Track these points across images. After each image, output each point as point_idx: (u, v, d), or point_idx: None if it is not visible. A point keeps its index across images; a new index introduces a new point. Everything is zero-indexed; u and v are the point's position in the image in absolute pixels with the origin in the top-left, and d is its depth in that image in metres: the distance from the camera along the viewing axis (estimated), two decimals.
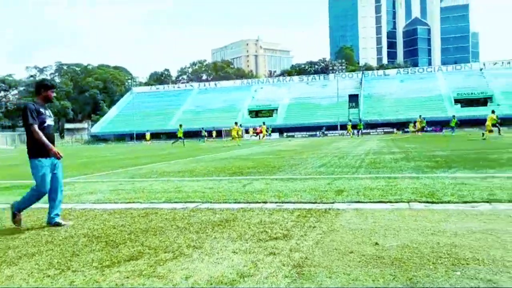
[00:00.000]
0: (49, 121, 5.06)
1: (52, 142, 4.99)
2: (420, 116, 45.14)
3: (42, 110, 4.99)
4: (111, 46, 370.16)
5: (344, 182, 7.71)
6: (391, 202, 5.60)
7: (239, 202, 6.07)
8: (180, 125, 37.87)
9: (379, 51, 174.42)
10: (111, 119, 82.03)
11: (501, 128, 27.02)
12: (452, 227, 4.13)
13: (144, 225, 4.81)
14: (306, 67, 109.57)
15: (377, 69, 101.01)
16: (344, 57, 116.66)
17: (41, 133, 4.84)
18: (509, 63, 73.53)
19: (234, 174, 10.11)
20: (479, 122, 59.10)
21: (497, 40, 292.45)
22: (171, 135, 72.26)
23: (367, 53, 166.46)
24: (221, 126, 65.69)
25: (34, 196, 4.93)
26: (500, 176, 7.58)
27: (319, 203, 5.76)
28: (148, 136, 58.88)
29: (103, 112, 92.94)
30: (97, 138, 77.79)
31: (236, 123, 37.80)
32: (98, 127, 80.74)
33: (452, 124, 41.65)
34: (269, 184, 7.88)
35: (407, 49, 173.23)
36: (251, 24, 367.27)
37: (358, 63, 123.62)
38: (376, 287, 2.71)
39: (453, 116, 43.45)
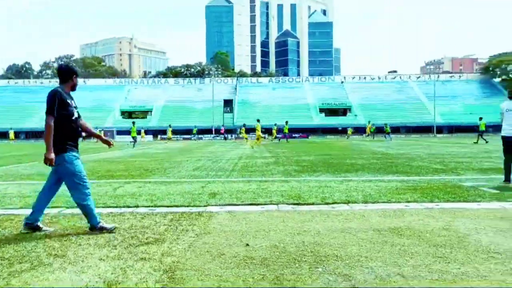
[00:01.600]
0: (76, 114, 4.43)
1: (78, 137, 4.47)
2: (286, 122, 47.91)
3: (69, 101, 4.34)
4: None
5: (218, 185, 7.84)
6: (261, 204, 5.84)
7: (108, 207, 5.79)
8: (133, 123, 32.65)
9: (253, 59, 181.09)
10: None
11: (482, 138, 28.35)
12: (315, 227, 4.46)
13: None
14: (182, 70, 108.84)
15: (251, 76, 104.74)
16: (220, 62, 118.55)
17: (52, 133, 4.17)
18: (365, 78, 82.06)
19: (104, 177, 9.61)
20: (340, 131, 65.01)
21: (355, 56, 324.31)
22: (33, 134, 66.03)
23: (242, 60, 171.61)
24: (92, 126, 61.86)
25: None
26: (356, 180, 8.41)
27: (192, 206, 5.77)
28: (11, 134, 52.77)
29: None
30: None
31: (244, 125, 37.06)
32: None
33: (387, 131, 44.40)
34: (141, 188, 7.66)
35: (278, 59, 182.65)
36: (125, 22, 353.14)
37: (233, 69, 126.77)
38: (246, 287, 2.81)
39: (385, 124, 46.30)
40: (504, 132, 7.70)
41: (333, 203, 5.82)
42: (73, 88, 4.50)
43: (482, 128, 28.68)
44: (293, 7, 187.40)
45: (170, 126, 51.99)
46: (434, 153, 16.73)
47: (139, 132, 44.27)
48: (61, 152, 4.25)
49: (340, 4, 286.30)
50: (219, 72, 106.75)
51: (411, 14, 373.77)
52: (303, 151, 19.89)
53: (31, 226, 4.36)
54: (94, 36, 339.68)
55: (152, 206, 5.78)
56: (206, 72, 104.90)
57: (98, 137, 5.04)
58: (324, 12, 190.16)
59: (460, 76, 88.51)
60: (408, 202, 5.85)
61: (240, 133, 46.19)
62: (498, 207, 5.36)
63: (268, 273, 3.06)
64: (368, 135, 49.76)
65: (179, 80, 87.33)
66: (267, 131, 57.43)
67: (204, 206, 5.77)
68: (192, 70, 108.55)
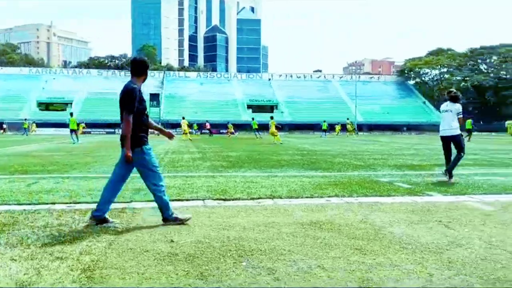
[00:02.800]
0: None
1: (147, 132, 4.42)
2: (207, 121, 47.91)
3: (142, 96, 4.36)
4: None
5: (142, 181, 7.62)
6: (187, 199, 5.78)
7: (21, 204, 5.41)
8: (71, 113, 28.83)
9: (181, 53, 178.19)
10: None
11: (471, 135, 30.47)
12: (240, 222, 4.50)
13: None
14: (106, 61, 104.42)
15: (179, 70, 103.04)
16: (147, 55, 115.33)
17: (130, 128, 4.21)
18: (291, 76, 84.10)
19: (16, 172, 8.98)
20: (267, 127, 66.03)
21: (282, 55, 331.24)
22: None
23: (169, 54, 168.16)
24: (3, 118, 57.53)
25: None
26: (281, 175, 8.61)
27: (115, 202, 5.55)
28: None
29: None
30: None
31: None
32: None
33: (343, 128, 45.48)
34: (59, 183, 7.26)
35: (207, 54, 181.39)
36: (44, 8, 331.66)
37: (161, 63, 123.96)
38: (169, 284, 2.77)
39: (347, 118, 46.86)
40: (441, 132, 8.18)
41: (258, 198, 5.90)
42: (143, 81, 4.48)
43: (469, 126, 31.08)
44: (222, 2, 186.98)
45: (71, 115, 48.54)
46: (355, 150, 17.57)
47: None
48: (139, 145, 4.28)
49: (268, 2, 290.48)
50: None
51: (336, 16, 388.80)
52: (230, 147, 19.97)
53: (99, 218, 4.28)
54: (9, 22, 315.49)
55: (71, 203, 5.50)
56: None
57: (159, 130, 4.86)
58: (253, 10, 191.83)
59: (379, 78, 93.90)
60: (330, 197, 6.09)
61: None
62: (410, 201, 5.75)
63: (192, 269, 3.03)
64: (351, 133, 49.16)
65: (102, 72, 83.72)
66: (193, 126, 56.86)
67: (128, 202, 5.59)
68: (117, 61, 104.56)
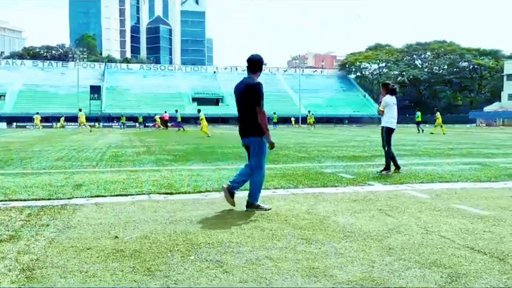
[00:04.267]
0: None
1: None
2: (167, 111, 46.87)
3: None
4: None
5: (83, 176, 7.37)
6: (132, 194, 5.65)
7: None
8: None
9: (122, 44, 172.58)
10: None
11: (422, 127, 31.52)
12: (187, 215, 4.46)
13: None
14: (42, 52, 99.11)
15: (121, 62, 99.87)
16: (86, 45, 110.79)
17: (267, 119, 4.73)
18: (236, 69, 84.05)
19: None
20: (213, 120, 65.74)
21: (227, 48, 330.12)
22: None
23: (111, 45, 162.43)
24: None
25: (260, 174, 4.78)
26: (228, 168, 8.62)
27: (54, 199, 5.33)
28: None
29: None
30: None
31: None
32: None
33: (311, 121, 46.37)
34: None
35: (150, 45, 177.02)
36: None
37: (101, 54, 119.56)
38: (114, 281, 2.70)
39: (309, 111, 46.74)
40: (391, 124, 7.97)
41: (205, 192, 5.88)
42: (259, 76, 4.90)
43: (419, 119, 31.96)
44: None
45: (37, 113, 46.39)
46: (299, 143, 17.91)
47: None
48: (260, 135, 4.75)
49: None
50: (85, 56, 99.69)
51: (280, 10, 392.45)
52: (176, 141, 19.70)
53: (231, 190, 4.73)
54: None
55: (5, 201, 5.20)
56: (70, 56, 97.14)
57: None
58: (197, 1, 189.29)
59: (322, 71, 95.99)
60: (276, 188, 6.17)
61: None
62: (352, 191, 5.96)
63: (138, 265, 2.97)
64: (309, 126, 48.82)
65: (38, 63, 79.62)
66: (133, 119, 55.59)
67: (68, 198, 5.38)
68: (54, 52, 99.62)
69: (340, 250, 3.31)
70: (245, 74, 5.02)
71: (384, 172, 7.78)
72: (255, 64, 4.86)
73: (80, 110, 40.03)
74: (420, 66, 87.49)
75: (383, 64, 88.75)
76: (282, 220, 4.26)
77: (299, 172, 7.93)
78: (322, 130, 39.09)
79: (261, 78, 5.05)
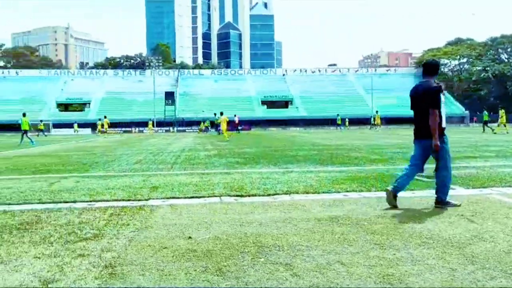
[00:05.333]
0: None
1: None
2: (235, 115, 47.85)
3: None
4: None
5: (159, 179, 7.69)
6: (204, 197, 5.80)
7: (44, 203, 5.51)
8: (24, 114, 26.42)
9: (194, 50, 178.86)
10: None
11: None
12: (257, 218, 4.50)
13: None
14: (122, 61, 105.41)
15: (193, 68, 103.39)
16: (161, 54, 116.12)
17: (437, 121, 4.88)
18: (305, 70, 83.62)
19: (38, 172, 9.13)
20: (281, 122, 65.96)
21: (296, 50, 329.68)
22: None
23: (184, 52, 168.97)
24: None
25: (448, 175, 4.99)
26: (297, 171, 8.57)
27: (133, 200, 5.62)
28: None
29: None
30: None
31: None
32: None
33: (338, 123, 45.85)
34: (79, 182, 7.36)
35: (220, 51, 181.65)
36: (60, 10, 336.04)
37: (175, 61, 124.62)
38: (188, 280, 2.78)
39: (377, 111, 46.30)
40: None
41: (274, 194, 5.89)
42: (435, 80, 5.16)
43: (486, 118, 30.55)
44: None
45: (105, 117, 48.22)
46: (371, 144, 17.42)
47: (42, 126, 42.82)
48: (442, 135, 4.96)
49: None
50: (160, 64, 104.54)
51: (351, 8, 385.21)
52: (246, 144, 19.99)
53: (395, 192, 4.94)
54: (27, 25, 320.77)
55: (91, 201, 5.57)
56: (147, 64, 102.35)
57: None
58: (266, 5, 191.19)
59: (395, 70, 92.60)
60: (347, 191, 6.04)
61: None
62: (430, 195, 5.66)
63: (210, 265, 3.04)
64: (375, 126, 47.10)
65: (118, 72, 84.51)
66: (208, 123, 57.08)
67: (146, 199, 5.64)
68: (132, 61, 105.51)
69: (417, 257, 3.16)
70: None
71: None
72: (432, 68, 5.15)
73: (105, 117, 42.68)
74: (506, 60, 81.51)
75: (464, 60, 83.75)
76: (354, 224, 4.15)
77: (371, 175, 7.70)
78: (396, 131, 37.74)
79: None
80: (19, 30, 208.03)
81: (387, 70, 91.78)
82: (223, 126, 27.29)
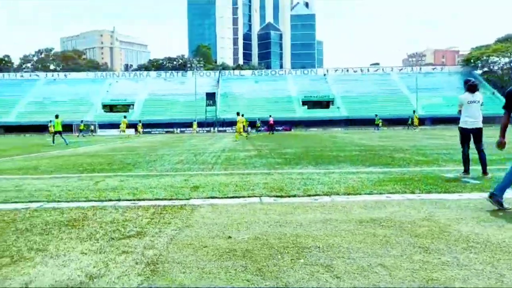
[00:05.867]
0: None
1: None
2: (270, 116, 47.70)
3: None
4: None
5: (200, 179, 7.80)
6: (244, 197, 5.83)
7: (90, 200, 5.71)
8: (57, 116, 25.82)
9: (235, 51, 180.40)
10: None
11: None
12: (297, 219, 4.47)
13: None
14: (164, 63, 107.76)
15: (234, 69, 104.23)
16: (202, 55, 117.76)
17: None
18: (347, 70, 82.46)
19: (85, 171, 9.48)
20: (322, 123, 65.35)
21: (338, 49, 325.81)
22: (10, 128, 64.68)
23: (224, 53, 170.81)
24: (71, 120, 60.99)
25: None
26: (338, 172, 8.46)
27: (175, 199, 5.73)
28: None
29: None
30: None
31: (241, 114, 37.70)
32: None
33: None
34: (123, 181, 7.57)
35: (261, 51, 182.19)
36: (105, 15, 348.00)
37: (216, 62, 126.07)
38: (228, 279, 2.80)
39: (414, 111, 45.68)
40: (465, 124, 7.65)
41: (315, 195, 5.84)
42: None
43: None
44: None
45: (124, 117, 48.49)
46: (416, 145, 16.94)
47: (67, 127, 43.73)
48: None
49: None
50: (201, 65, 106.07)
51: (393, 7, 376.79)
52: (286, 144, 19.94)
53: (496, 199, 4.77)
54: (75, 29, 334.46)
55: (134, 200, 5.72)
56: (188, 65, 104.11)
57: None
58: (307, 5, 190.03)
59: (442, 68, 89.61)
60: (390, 193, 5.90)
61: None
62: (479, 198, 5.45)
63: (250, 264, 3.05)
64: (413, 126, 46.30)
65: (161, 73, 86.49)
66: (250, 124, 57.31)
67: (187, 199, 5.73)
68: (174, 63, 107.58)
69: (463, 261, 3.04)
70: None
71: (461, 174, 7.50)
72: None
73: (124, 117, 43.40)
74: None
75: None
76: (397, 227, 4.05)
77: (415, 177, 7.49)
78: (442, 132, 36.56)
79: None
80: (67, 34, 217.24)
81: (433, 69, 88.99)
82: (239, 127, 28.87)
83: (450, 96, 72.97)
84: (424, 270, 2.88)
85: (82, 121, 53.64)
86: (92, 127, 58.63)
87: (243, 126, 31.05)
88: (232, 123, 64.91)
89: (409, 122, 47.77)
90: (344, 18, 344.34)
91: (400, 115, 63.40)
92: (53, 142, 23.76)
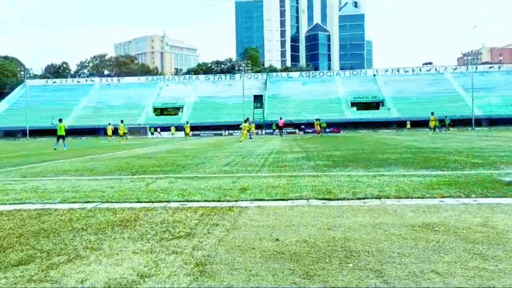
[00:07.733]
0: None
1: None
2: (316, 119, 46.88)
3: None
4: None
5: (248, 181, 7.85)
6: (291, 199, 5.81)
7: (141, 202, 5.89)
8: (60, 119, 26.58)
9: (283, 53, 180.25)
10: (0, 114, 74.97)
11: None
12: (346, 222, 4.40)
13: (36, 227, 4.47)
14: (213, 66, 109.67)
15: (281, 71, 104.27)
16: (250, 58, 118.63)
17: None
18: (398, 70, 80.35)
19: (137, 172, 9.80)
20: (372, 125, 63.98)
21: (388, 49, 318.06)
22: (68, 132, 67.95)
23: (272, 55, 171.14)
24: (124, 124, 63.29)
25: None
26: (388, 174, 8.24)
27: (223, 201, 5.80)
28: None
29: None
30: None
31: (250, 122, 40.14)
32: None
33: (437, 124, 43.61)
34: (173, 183, 7.76)
35: (309, 53, 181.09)
36: (156, 20, 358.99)
37: (263, 64, 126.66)
38: (275, 281, 2.80)
39: (432, 113, 44.52)
40: None
41: (364, 198, 5.72)
42: None
43: None
44: (323, 0, 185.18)
45: (122, 121, 47.18)
46: (472, 147, 16.23)
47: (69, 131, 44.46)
48: None
49: None
50: (249, 68, 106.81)
51: (446, 4, 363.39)
52: (334, 146, 19.69)
53: None
54: (127, 35, 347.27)
55: (183, 201, 5.84)
56: (236, 68, 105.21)
57: None
58: (356, 4, 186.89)
59: (499, 67, 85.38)
60: (444, 197, 5.68)
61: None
62: None
63: (297, 268, 3.04)
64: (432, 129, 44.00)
65: (209, 77, 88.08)
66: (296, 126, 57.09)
67: (235, 201, 5.78)
68: (223, 66, 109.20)
69: None
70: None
71: None
72: None
73: (121, 121, 44.17)
74: None
75: None
76: (451, 232, 3.89)
77: (471, 180, 7.16)
78: (501, 133, 34.79)
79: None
80: (120, 40, 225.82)
81: (490, 67, 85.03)
82: (244, 132, 33.49)
83: (509, 95, 69.36)
84: (480, 277, 2.75)
85: (122, 121, 51.53)
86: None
87: (248, 130, 34.95)
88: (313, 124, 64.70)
89: (434, 124, 43.98)
90: (395, 17, 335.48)
91: (455, 115, 60.99)
92: (56, 146, 23.90)
